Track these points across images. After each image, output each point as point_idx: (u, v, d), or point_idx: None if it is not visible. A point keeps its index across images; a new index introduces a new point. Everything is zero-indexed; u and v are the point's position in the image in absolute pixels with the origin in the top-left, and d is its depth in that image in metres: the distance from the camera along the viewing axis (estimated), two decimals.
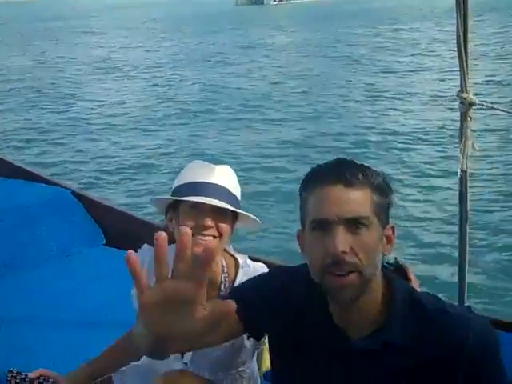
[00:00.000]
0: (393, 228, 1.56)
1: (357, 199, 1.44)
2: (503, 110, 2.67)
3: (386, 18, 38.33)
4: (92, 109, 15.77)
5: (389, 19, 37.07)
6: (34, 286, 3.92)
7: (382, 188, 1.50)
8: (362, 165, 1.52)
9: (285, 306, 1.63)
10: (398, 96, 15.08)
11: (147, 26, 44.95)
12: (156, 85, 19.11)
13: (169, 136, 12.66)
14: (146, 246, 2.29)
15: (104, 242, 4.51)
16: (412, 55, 21.97)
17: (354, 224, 1.43)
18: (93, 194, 5.44)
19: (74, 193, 4.73)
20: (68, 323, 3.45)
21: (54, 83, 20.11)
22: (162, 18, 52.04)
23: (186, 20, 47.93)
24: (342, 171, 1.46)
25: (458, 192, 2.64)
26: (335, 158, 1.55)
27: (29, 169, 5.38)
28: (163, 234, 1.00)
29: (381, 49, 24.32)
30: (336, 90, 16.35)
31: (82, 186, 8.46)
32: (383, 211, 1.50)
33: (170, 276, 1.01)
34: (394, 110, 13.71)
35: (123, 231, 4.38)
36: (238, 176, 2.25)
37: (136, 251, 2.38)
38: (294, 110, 14.19)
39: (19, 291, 3.85)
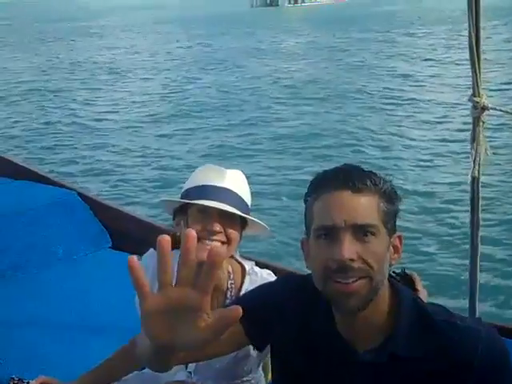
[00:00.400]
0: (400, 237, 1.52)
1: (365, 206, 1.41)
2: None
3: (401, 21, 38.29)
4: (100, 113, 15.75)
5: (403, 23, 37.04)
6: (39, 289, 3.91)
7: (390, 195, 1.46)
8: (370, 171, 1.49)
9: (291, 316, 1.60)
10: (412, 102, 14.98)
11: (158, 28, 45.05)
12: (166, 88, 19.09)
13: (178, 139, 12.64)
14: (151, 250, 2.27)
15: (110, 244, 4.49)
16: (426, 60, 21.87)
17: (362, 231, 1.39)
18: (99, 196, 5.42)
19: (80, 194, 4.70)
20: (73, 328, 3.43)
21: (63, 86, 20.14)
22: (175, 20, 52.11)
23: (199, 22, 48.01)
24: (350, 177, 1.42)
25: (469, 199, 2.59)
26: (342, 163, 1.52)
27: (35, 170, 5.35)
28: (166, 237, 0.95)
29: (395, 54, 24.23)
30: (347, 95, 16.23)
31: (92, 189, 8.42)
32: (390, 219, 1.46)
33: (174, 282, 0.97)
34: (408, 116, 13.61)
35: (130, 234, 4.35)
36: (248, 181, 2.21)
37: (142, 254, 2.33)
38: (307, 116, 14.07)
39: (24, 294, 3.83)
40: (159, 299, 0.97)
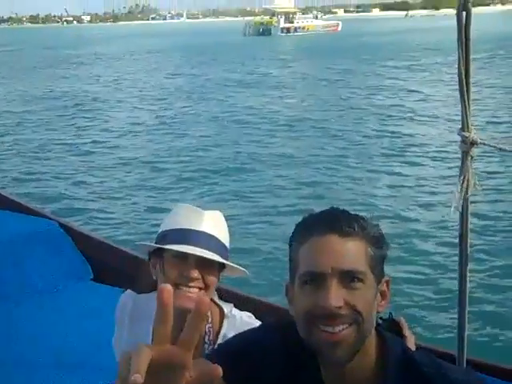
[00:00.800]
0: (387, 282, 1.45)
1: (352, 251, 1.35)
2: (506, 150, 2.56)
3: (391, 52, 38.77)
4: (95, 142, 15.70)
5: (393, 53, 37.52)
6: (17, 323, 3.80)
7: (378, 239, 1.41)
8: (357, 215, 1.43)
9: (274, 364, 1.51)
10: (401, 136, 14.96)
11: (148, 57, 45.30)
12: (154, 120, 19.04)
13: (164, 172, 12.57)
14: (128, 291, 2.21)
15: (92, 276, 4.40)
16: (416, 92, 22.03)
17: (349, 278, 1.33)
18: (81, 227, 5.32)
19: (62, 225, 4.61)
20: (52, 365, 3.33)
21: (47, 115, 20.11)
22: (167, 49, 52.45)
23: (191, 51, 48.37)
24: (337, 221, 1.37)
25: (458, 234, 2.52)
26: (329, 207, 1.46)
27: (16, 200, 5.28)
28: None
29: (383, 86, 24.44)
30: (336, 131, 16.14)
31: (75, 220, 8.29)
32: (378, 265, 1.40)
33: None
34: (397, 153, 13.53)
35: (112, 266, 4.27)
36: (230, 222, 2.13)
37: (124, 287, 2.24)
38: (294, 151, 13.98)
39: (1, 329, 3.71)
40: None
